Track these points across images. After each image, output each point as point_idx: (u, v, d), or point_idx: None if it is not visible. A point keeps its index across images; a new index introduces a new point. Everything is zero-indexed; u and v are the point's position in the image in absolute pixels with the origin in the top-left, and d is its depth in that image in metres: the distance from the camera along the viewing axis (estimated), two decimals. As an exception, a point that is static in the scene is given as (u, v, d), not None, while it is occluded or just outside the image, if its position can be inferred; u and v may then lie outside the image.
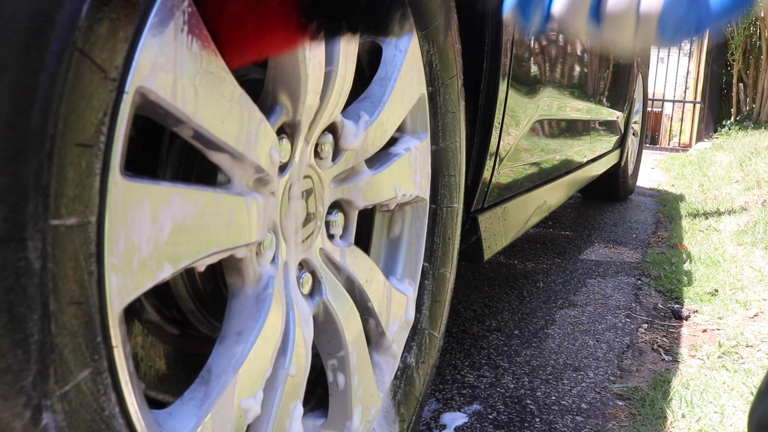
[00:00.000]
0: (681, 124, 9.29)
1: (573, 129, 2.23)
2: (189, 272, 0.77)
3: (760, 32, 8.25)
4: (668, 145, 9.37)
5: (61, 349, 0.45)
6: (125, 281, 0.50)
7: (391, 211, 1.03)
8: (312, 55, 0.70)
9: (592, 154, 2.79)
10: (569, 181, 2.38)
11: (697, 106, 8.99)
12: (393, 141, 0.97)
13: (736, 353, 1.81)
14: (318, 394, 0.93)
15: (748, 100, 8.57)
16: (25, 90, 0.41)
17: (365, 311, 0.92)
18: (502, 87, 1.29)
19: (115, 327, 0.50)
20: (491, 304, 2.13)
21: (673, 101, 9.44)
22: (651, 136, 9.49)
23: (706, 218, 3.65)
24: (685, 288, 2.40)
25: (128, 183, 0.49)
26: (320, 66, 0.73)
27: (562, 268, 2.62)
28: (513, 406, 1.46)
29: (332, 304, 0.83)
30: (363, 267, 0.91)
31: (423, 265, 1.07)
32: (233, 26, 0.56)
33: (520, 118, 1.48)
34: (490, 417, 1.40)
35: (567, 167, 2.29)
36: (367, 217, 1.02)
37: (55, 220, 0.43)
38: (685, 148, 8.64)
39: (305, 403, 0.85)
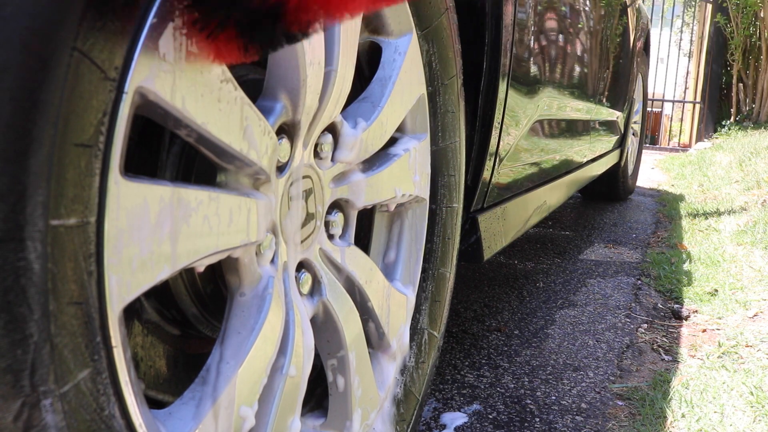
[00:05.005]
0: (681, 124, 9.29)
1: (573, 129, 2.23)
2: (189, 272, 0.77)
3: (759, 32, 8.24)
4: (668, 145, 9.37)
5: (60, 349, 0.45)
6: (125, 281, 0.50)
7: (391, 211, 1.03)
8: (312, 54, 0.70)
9: (592, 154, 2.79)
10: (569, 181, 2.38)
11: (697, 106, 8.98)
12: (393, 141, 0.97)
13: (736, 353, 1.81)
14: (318, 394, 0.93)
15: (747, 100, 8.56)
16: (25, 90, 0.41)
17: (365, 312, 0.92)
18: (502, 87, 1.29)
19: (115, 327, 0.50)
20: (491, 304, 2.13)
21: (673, 101, 9.45)
22: (651, 136, 9.49)
23: (706, 218, 3.65)
24: (684, 288, 2.40)
25: (128, 183, 0.49)
26: (320, 66, 0.73)
27: (562, 268, 2.62)
28: (513, 406, 1.46)
29: (332, 305, 0.83)
30: (363, 267, 0.91)
31: (423, 265, 1.07)
32: None
33: (519, 118, 1.48)
34: (490, 417, 1.40)
35: (567, 167, 2.29)
36: (366, 217, 1.02)
37: (55, 220, 0.43)
38: (685, 148, 8.64)
39: (305, 404, 0.85)
